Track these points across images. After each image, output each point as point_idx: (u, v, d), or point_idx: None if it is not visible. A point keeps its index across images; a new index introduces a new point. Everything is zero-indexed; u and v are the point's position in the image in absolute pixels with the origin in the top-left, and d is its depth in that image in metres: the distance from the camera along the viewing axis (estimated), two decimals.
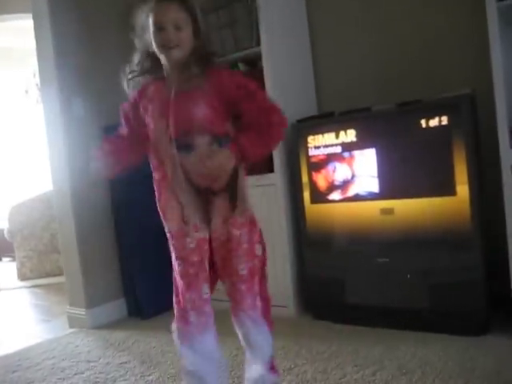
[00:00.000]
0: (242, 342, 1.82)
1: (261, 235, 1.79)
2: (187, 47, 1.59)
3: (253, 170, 3.15)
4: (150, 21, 1.58)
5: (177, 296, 1.74)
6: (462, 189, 2.47)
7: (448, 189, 2.51)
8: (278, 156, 3.13)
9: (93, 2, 3.59)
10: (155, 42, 1.58)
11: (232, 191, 1.66)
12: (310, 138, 2.96)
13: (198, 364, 1.70)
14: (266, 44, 3.13)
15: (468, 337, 2.49)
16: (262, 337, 1.79)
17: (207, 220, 1.66)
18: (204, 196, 1.64)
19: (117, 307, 3.58)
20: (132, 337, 3.12)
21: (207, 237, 1.68)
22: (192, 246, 1.67)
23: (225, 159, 1.56)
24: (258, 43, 3.16)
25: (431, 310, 2.61)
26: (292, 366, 2.43)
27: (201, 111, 1.58)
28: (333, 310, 2.95)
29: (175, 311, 1.76)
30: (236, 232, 1.68)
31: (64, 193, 3.44)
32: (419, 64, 3.01)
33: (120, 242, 3.59)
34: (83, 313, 3.44)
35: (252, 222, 1.75)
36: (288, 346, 2.66)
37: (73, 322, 3.50)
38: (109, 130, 3.48)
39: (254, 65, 3.33)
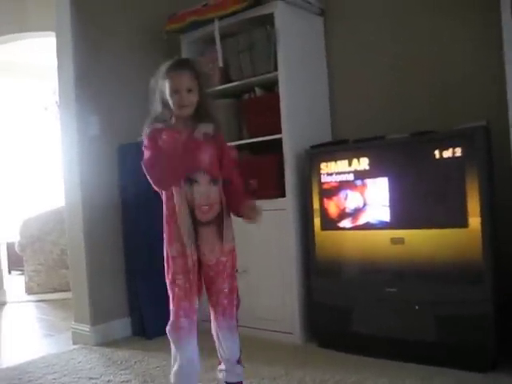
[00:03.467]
0: (218, 345, 2.21)
1: (236, 259, 2.21)
2: (194, 105, 2.05)
3: (264, 194, 3.16)
4: (167, 84, 2.01)
5: (172, 304, 2.09)
6: (474, 221, 2.44)
7: (460, 220, 2.48)
8: (289, 181, 3.13)
9: (115, 23, 3.65)
10: (171, 100, 2.01)
11: (221, 223, 2.09)
12: (323, 165, 2.96)
13: (187, 363, 2.09)
14: (284, 69, 3.16)
15: (475, 373, 2.44)
16: (234, 341, 2.21)
17: (196, 246, 2.07)
18: (194, 226, 2.06)
19: (122, 326, 3.56)
20: (135, 356, 3.10)
21: (196, 259, 2.09)
22: (190, 265, 2.07)
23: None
24: (276, 68, 3.19)
25: (438, 343, 2.56)
26: None
27: (207, 156, 2.07)
28: (339, 339, 2.92)
29: (171, 318, 2.11)
30: (223, 259, 2.12)
31: (76, 209, 3.46)
32: (434, 94, 3.02)
33: (128, 261, 3.58)
34: (87, 329, 3.43)
35: (234, 250, 2.17)
36: (291, 373, 2.63)
37: (77, 338, 3.49)
38: (123, 149, 3.54)
39: (270, 89, 3.36)
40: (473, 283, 2.46)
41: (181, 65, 2.05)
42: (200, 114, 2.08)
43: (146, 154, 2.01)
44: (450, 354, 2.54)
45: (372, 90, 3.29)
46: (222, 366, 2.24)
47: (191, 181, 2.04)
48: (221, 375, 2.26)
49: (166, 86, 2.01)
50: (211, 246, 2.09)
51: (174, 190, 2.06)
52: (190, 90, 2.00)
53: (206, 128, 2.09)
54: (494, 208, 2.53)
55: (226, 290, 2.16)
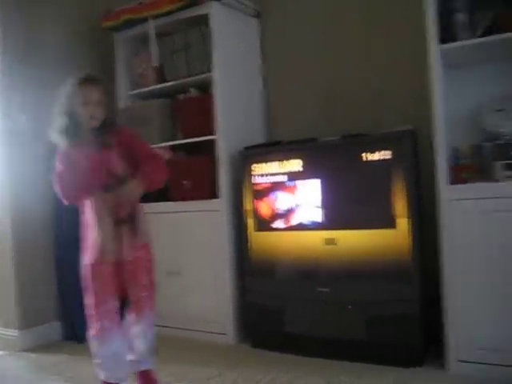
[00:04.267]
0: (133, 336, 2.30)
1: (152, 254, 2.31)
2: (101, 118, 2.15)
3: (197, 195, 3.16)
4: (78, 95, 2.10)
5: (92, 309, 2.19)
6: (402, 222, 2.53)
7: (388, 221, 2.56)
8: (223, 182, 3.13)
9: (47, 17, 3.54)
10: (80, 111, 2.10)
11: (134, 221, 2.20)
12: (256, 166, 2.98)
13: (112, 355, 2.20)
14: (218, 70, 3.16)
15: (403, 368, 2.53)
16: (152, 331, 2.33)
17: (118, 246, 2.17)
18: (116, 227, 2.16)
19: (52, 330, 3.45)
20: (65, 360, 3.01)
21: (117, 260, 2.18)
22: (106, 268, 2.17)
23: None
24: (211, 69, 3.19)
25: (369, 341, 2.63)
26: None
27: (116, 163, 2.16)
28: (272, 339, 2.94)
29: (91, 323, 2.20)
30: (139, 253, 2.22)
31: (3, 212, 3.33)
32: (366, 99, 3.10)
33: (58, 265, 3.48)
34: (15, 334, 3.31)
35: (149, 244, 2.28)
36: (225, 374, 2.63)
37: (3, 343, 3.35)
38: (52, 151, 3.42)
39: (205, 90, 3.35)
40: (401, 283, 2.55)
41: (92, 79, 2.15)
42: (105, 125, 2.18)
43: (57, 168, 2.10)
44: (380, 352, 2.61)
45: (306, 93, 3.34)
46: (134, 357, 2.33)
47: (106, 187, 2.15)
48: (134, 366, 2.34)
49: (77, 98, 2.11)
50: (127, 243, 2.19)
51: (89, 199, 2.17)
52: (98, 104, 2.12)
53: (109, 137, 2.18)
54: (420, 209, 2.62)
55: (145, 284, 2.26)
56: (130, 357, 2.31)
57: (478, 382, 2.31)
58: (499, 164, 2.38)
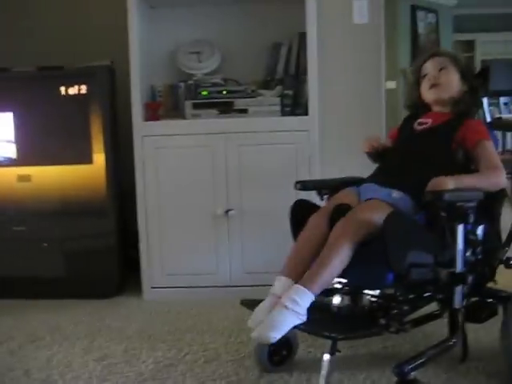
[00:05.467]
0: None
1: None
2: None
3: None
4: None
5: None
6: (99, 157, 2.56)
7: (85, 157, 2.57)
8: None
9: None
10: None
11: None
12: None
13: None
14: None
15: (101, 300, 2.61)
16: None
17: None
18: None
19: None
20: None
21: None
22: None
23: None
24: None
25: (67, 277, 2.64)
26: None
27: None
28: None
29: None
30: None
31: None
32: (63, 31, 2.98)
33: None
34: None
35: None
36: None
37: None
38: None
39: None
40: (98, 217, 2.60)
41: None
42: None
43: None
44: (79, 286, 2.64)
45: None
46: None
47: None
48: None
49: None
50: None
51: None
52: None
53: None
54: (117, 145, 2.67)
55: None
56: None
57: (167, 304, 2.52)
58: (189, 103, 2.55)
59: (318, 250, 1.63)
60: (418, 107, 2.00)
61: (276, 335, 1.49)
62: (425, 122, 1.91)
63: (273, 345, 1.74)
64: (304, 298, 1.53)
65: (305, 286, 1.54)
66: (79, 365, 1.94)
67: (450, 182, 1.61)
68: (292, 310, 1.51)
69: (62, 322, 2.38)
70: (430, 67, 1.93)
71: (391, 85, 5.89)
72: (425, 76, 1.94)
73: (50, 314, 2.47)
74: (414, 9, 6.72)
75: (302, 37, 2.63)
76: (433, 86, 1.90)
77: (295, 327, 1.53)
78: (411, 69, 2.13)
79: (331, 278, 1.59)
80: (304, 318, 1.53)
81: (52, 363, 1.96)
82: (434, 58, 1.95)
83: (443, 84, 1.89)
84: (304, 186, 1.92)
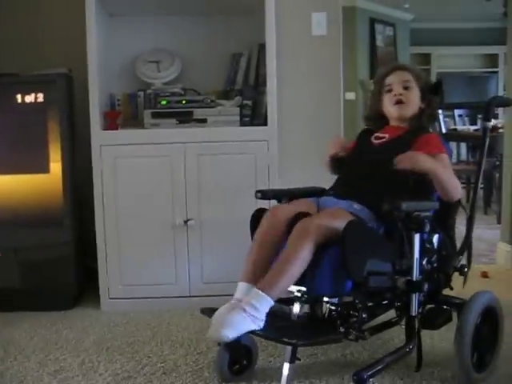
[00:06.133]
0: None
1: None
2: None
3: None
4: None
5: None
6: (56, 166, 2.52)
7: (42, 166, 2.52)
8: None
9: None
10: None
11: None
12: None
13: None
14: None
15: (58, 311, 2.55)
16: None
17: None
18: None
19: None
20: None
21: None
22: None
23: None
24: None
25: (22, 288, 2.57)
26: None
27: None
28: None
29: None
30: None
31: None
32: (23, 39, 2.92)
33: None
34: None
35: None
36: None
37: None
38: None
39: None
40: (54, 227, 2.55)
41: None
42: None
43: None
44: (34, 298, 2.58)
45: None
46: None
47: None
48: None
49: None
50: None
51: None
52: None
53: None
54: (74, 154, 2.63)
55: None
56: None
57: (125, 315, 2.49)
58: (148, 112, 2.53)
59: (275, 250, 1.65)
60: (376, 119, 2.05)
61: (230, 334, 1.50)
62: (382, 137, 1.95)
63: (232, 354, 1.75)
64: (263, 303, 1.54)
65: (263, 291, 1.55)
66: (34, 379, 1.89)
67: (427, 162, 1.70)
68: (250, 314, 1.52)
69: (16, 334, 2.32)
70: (394, 82, 1.96)
71: (350, 96, 6.01)
72: (389, 90, 1.97)
73: (4, 327, 2.40)
74: (372, 22, 6.87)
75: (262, 48, 2.65)
76: (398, 102, 1.94)
77: (252, 332, 1.54)
78: (374, 80, 2.16)
79: (290, 282, 1.60)
80: (261, 324, 1.54)
81: (5, 378, 1.90)
82: (398, 73, 1.99)
83: (408, 102, 1.94)
84: (264, 194, 1.93)
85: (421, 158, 1.70)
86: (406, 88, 1.94)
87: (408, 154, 1.70)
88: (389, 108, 1.97)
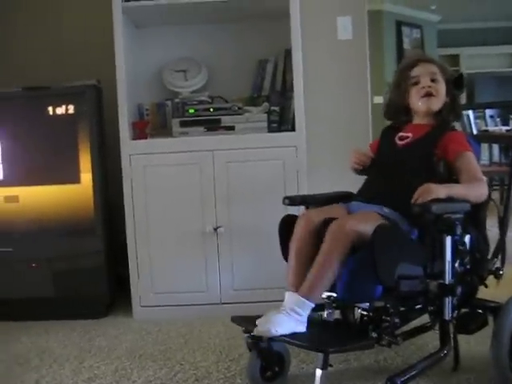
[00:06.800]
0: None
1: None
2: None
3: None
4: None
5: None
6: (86, 177, 2.55)
7: (72, 177, 2.56)
8: None
9: None
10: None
11: None
12: None
13: None
14: None
15: (91, 320, 2.58)
16: None
17: None
18: None
19: None
20: None
21: None
22: None
23: None
24: None
25: (56, 297, 2.61)
26: None
27: None
28: None
29: None
30: None
31: None
32: (50, 51, 2.99)
33: None
34: None
35: None
36: None
37: None
38: None
39: None
40: (86, 237, 2.58)
41: None
42: None
43: None
44: (68, 307, 2.61)
45: None
46: None
47: None
48: None
49: None
50: None
51: None
52: None
53: None
54: (104, 164, 2.67)
55: None
56: None
57: (157, 323, 2.50)
58: (176, 121, 2.55)
59: (313, 254, 1.66)
60: (399, 114, 1.99)
61: (276, 330, 1.56)
62: (406, 137, 1.90)
63: (264, 360, 1.74)
64: (304, 308, 1.60)
65: (304, 297, 1.61)
66: None
67: (440, 190, 1.62)
68: (294, 316, 1.59)
69: (50, 343, 2.35)
70: (422, 74, 1.90)
71: (378, 99, 5.96)
72: (415, 82, 1.90)
73: (39, 336, 2.44)
74: (399, 24, 6.82)
75: (288, 53, 2.65)
76: (427, 95, 1.88)
77: (284, 339, 1.58)
78: (395, 72, 2.06)
79: (327, 285, 1.62)
80: (304, 327, 1.59)
81: None
82: (424, 64, 1.92)
83: (436, 95, 1.88)
84: (292, 201, 1.92)
85: (433, 190, 1.62)
86: (433, 80, 1.89)
87: (420, 189, 1.62)
88: (416, 102, 1.90)
